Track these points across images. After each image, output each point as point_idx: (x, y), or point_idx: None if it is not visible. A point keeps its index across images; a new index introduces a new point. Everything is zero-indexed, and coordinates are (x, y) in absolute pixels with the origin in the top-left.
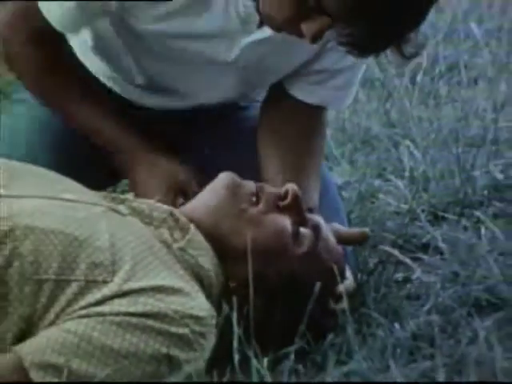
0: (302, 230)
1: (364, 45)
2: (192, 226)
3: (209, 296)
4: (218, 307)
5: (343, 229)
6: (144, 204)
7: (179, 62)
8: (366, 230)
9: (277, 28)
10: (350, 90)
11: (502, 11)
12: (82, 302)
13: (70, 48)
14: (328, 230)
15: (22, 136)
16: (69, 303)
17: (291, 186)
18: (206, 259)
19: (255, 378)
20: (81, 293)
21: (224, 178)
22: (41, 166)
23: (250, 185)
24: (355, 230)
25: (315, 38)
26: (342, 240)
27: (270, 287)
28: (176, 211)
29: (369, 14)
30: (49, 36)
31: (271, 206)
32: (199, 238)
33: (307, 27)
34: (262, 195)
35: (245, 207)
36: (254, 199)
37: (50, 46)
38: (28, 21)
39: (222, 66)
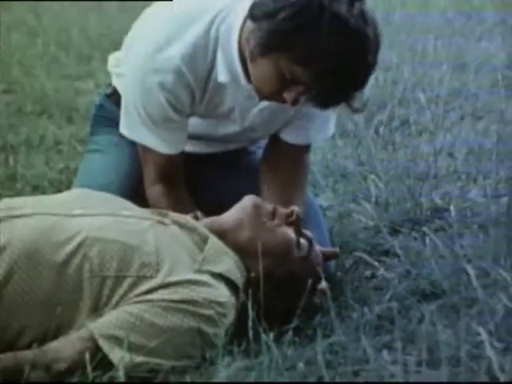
0: (302, 240)
1: (325, 101)
2: (211, 235)
3: (233, 288)
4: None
5: (322, 248)
6: (181, 217)
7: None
8: (337, 250)
9: (265, 97)
10: (326, 127)
11: (439, 82)
12: (136, 292)
13: None
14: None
15: (98, 177)
16: (125, 293)
17: (295, 208)
18: (226, 262)
19: (264, 348)
20: (134, 285)
21: (250, 198)
22: None
23: (268, 205)
24: (330, 249)
25: (295, 102)
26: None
27: (278, 279)
28: (198, 224)
29: (329, 83)
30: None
31: (282, 221)
32: (218, 246)
33: (288, 95)
34: (276, 213)
35: (265, 221)
36: (270, 215)
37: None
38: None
39: (238, 129)
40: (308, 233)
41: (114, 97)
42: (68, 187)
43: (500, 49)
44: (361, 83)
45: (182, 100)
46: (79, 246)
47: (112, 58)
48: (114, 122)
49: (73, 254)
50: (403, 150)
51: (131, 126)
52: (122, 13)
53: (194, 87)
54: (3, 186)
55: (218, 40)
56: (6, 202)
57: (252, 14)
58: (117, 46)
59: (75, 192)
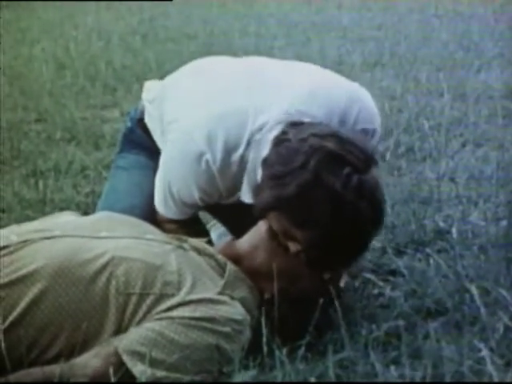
0: None
1: (322, 265)
2: (228, 262)
3: (246, 308)
4: (252, 313)
5: None
6: (199, 244)
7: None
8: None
9: None
10: None
11: (441, 111)
12: (158, 309)
13: None
14: None
15: (123, 196)
16: (148, 310)
17: None
18: (242, 289)
19: (278, 363)
20: (157, 302)
21: (265, 223)
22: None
23: None
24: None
25: (297, 255)
26: None
27: (291, 299)
28: (215, 251)
29: (323, 249)
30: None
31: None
32: (236, 273)
33: (292, 246)
34: None
35: (278, 245)
36: None
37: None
38: None
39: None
40: None
41: (143, 123)
42: (94, 210)
43: (498, 80)
44: (354, 254)
45: (213, 198)
46: (106, 264)
47: (146, 89)
48: (142, 146)
49: (100, 271)
50: (408, 175)
51: (161, 201)
52: (145, 47)
53: (223, 192)
54: (33, 209)
55: (247, 162)
56: (37, 224)
57: (262, 166)
58: (139, 78)
59: (100, 215)
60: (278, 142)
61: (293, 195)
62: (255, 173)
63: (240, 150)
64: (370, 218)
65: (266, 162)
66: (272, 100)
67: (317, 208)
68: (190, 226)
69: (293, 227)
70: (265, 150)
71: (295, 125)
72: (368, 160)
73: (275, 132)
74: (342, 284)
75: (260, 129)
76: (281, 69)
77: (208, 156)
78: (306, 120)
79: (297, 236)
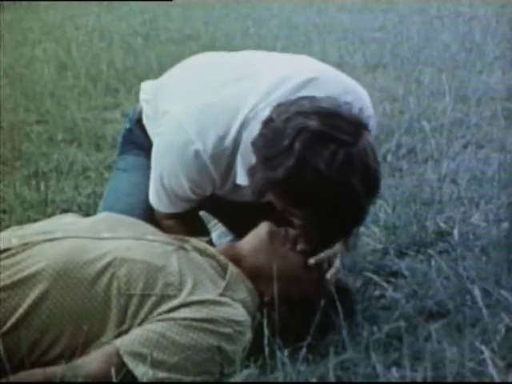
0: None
1: (319, 241)
2: (229, 263)
3: (247, 309)
4: (253, 315)
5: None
6: (200, 244)
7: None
8: None
9: None
10: None
11: (443, 112)
12: (159, 310)
13: None
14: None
15: (123, 196)
16: (150, 311)
17: None
18: (242, 291)
19: (279, 364)
20: (158, 304)
21: (265, 225)
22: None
23: (281, 230)
24: None
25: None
26: None
27: (291, 301)
28: (216, 251)
29: (320, 226)
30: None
31: (293, 244)
32: (237, 274)
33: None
34: (287, 237)
35: (278, 246)
36: (283, 240)
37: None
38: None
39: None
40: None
41: (141, 124)
42: (95, 211)
43: (500, 82)
44: (351, 226)
45: (204, 187)
46: (108, 265)
47: (143, 89)
48: (141, 146)
49: (101, 272)
50: (410, 176)
51: (154, 194)
52: (147, 48)
53: (217, 179)
54: (35, 210)
55: (240, 145)
56: (38, 226)
57: (252, 148)
58: (141, 79)
59: (101, 216)
60: (265, 123)
61: (282, 179)
62: (250, 152)
63: (231, 135)
64: (362, 188)
65: (254, 145)
66: (265, 86)
67: (307, 189)
68: (188, 223)
69: (289, 206)
70: (257, 130)
71: (281, 104)
72: (356, 130)
73: (268, 111)
74: (328, 276)
75: (252, 109)
76: (276, 59)
77: (198, 145)
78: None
79: (295, 213)
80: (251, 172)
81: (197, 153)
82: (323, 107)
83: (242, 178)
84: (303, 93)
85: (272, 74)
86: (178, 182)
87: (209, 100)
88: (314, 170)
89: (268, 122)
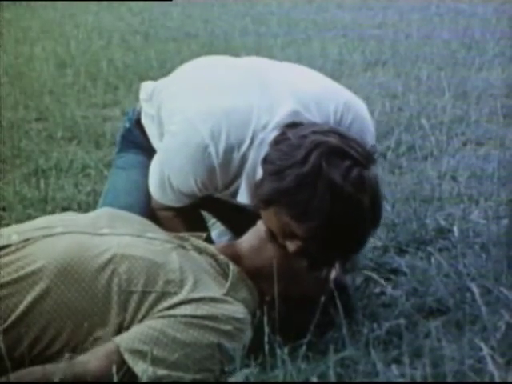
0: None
1: (320, 260)
2: (231, 264)
3: (248, 308)
4: (253, 314)
5: None
6: (200, 243)
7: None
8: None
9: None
10: None
11: (442, 110)
12: (160, 307)
13: None
14: None
15: (122, 194)
16: (150, 308)
17: None
18: (243, 291)
19: (279, 362)
20: (159, 300)
21: (263, 224)
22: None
23: None
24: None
25: (296, 253)
26: None
27: (291, 299)
28: (216, 250)
29: (322, 243)
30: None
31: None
32: (239, 274)
33: (290, 245)
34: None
35: (278, 244)
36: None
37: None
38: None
39: None
40: None
41: (140, 124)
42: (95, 209)
43: (499, 79)
44: (354, 247)
45: (209, 189)
46: (109, 261)
47: (143, 88)
48: (140, 146)
49: (102, 269)
50: (409, 173)
51: (157, 187)
52: (147, 46)
53: (220, 185)
54: (35, 208)
55: (246, 162)
56: (38, 221)
57: (262, 164)
58: (141, 77)
59: (101, 212)
60: (278, 141)
61: (292, 186)
62: (254, 173)
63: (242, 149)
64: (370, 211)
65: (266, 160)
66: (276, 102)
67: (316, 199)
68: (186, 215)
69: (292, 220)
70: (265, 151)
71: (294, 125)
72: (368, 156)
73: (276, 132)
74: (331, 276)
75: (263, 128)
76: (284, 72)
77: (211, 149)
78: (306, 121)
79: (296, 230)
80: (257, 185)
81: (209, 156)
82: (339, 129)
83: (243, 196)
84: (309, 116)
85: (284, 90)
86: (187, 181)
87: (224, 105)
88: (328, 180)
89: (282, 140)
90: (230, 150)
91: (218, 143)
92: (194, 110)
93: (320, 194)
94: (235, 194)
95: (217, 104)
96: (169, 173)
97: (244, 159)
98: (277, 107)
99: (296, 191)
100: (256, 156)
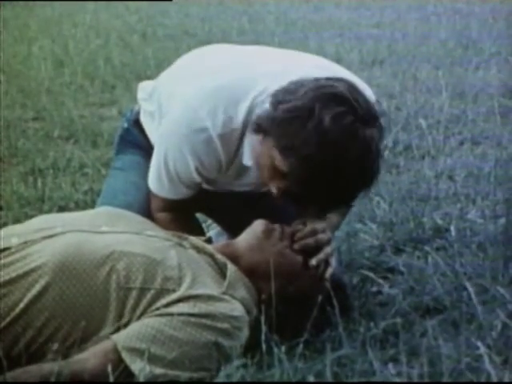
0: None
1: (300, 200)
2: (229, 263)
3: (246, 307)
4: (251, 313)
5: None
6: (198, 242)
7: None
8: None
9: (264, 184)
10: None
11: (440, 109)
12: (158, 304)
13: None
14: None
15: (120, 194)
16: (149, 305)
17: (298, 227)
18: (241, 290)
19: (276, 360)
20: (157, 298)
21: (260, 223)
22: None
23: (278, 227)
24: None
25: (278, 196)
26: None
27: (288, 298)
28: (214, 250)
29: (305, 185)
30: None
31: (289, 241)
32: (236, 273)
33: (273, 186)
34: (284, 234)
35: (274, 244)
36: (280, 238)
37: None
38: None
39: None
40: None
41: (139, 124)
42: (92, 208)
43: (496, 78)
44: (336, 197)
45: (209, 169)
46: (107, 258)
47: (141, 88)
48: (138, 146)
49: (101, 265)
50: (406, 173)
51: (155, 178)
52: (144, 45)
53: (223, 161)
54: (32, 207)
55: (248, 126)
56: (38, 222)
57: (270, 98)
58: (138, 76)
59: (100, 210)
60: (291, 82)
61: (282, 118)
62: None
63: (241, 115)
64: (356, 164)
65: (273, 94)
66: (277, 70)
67: (301, 137)
68: (183, 221)
69: (277, 154)
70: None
71: (300, 79)
72: (371, 115)
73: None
74: (327, 274)
75: (263, 92)
76: (281, 52)
77: (208, 123)
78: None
79: (280, 165)
80: (258, 116)
81: (206, 130)
82: (353, 81)
83: (248, 159)
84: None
85: (283, 61)
86: (184, 162)
87: (218, 82)
88: (317, 121)
89: (294, 82)
90: (228, 121)
91: (215, 117)
92: (192, 92)
93: (307, 132)
94: (239, 177)
95: (214, 84)
96: (166, 155)
97: (244, 126)
98: (279, 75)
99: (285, 123)
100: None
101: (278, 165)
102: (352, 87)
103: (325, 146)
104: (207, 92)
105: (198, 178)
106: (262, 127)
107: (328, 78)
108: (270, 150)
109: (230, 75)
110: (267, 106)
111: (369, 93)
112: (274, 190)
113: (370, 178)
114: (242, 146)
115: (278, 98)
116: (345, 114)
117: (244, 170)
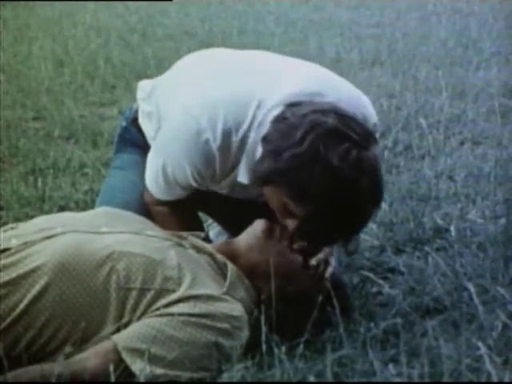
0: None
1: (317, 240)
2: (229, 264)
3: (246, 307)
4: (251, 313)
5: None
6: (198, 242)
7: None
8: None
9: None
10: None
11: (440, 109)
12: (158, 304)
13: None
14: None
15: (118, 193)
16: (149, 305)
17: None
18: (241, 290)
19: (276, 360)
20: (157, 298)
21: (260, 223)
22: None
23: (277, 227)
24: None
25: (294, 231)
26: None
27: (288, 298)
28: (214, 250)
29: (318, 224)
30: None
31: (289, 241)
32: (236, 273)
33: (288, 223)
34: (284, 234)
35: (274, 244)
36: (279, 238)
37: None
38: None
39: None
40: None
41: (137, 123)
42: (93, 208)
43: (497, 78)
44: (353, 228)
45: (205, 178)
46: (107, 258)
47: (140, 87)
48: (136, 144)
49: (100, 265)
50: (406, 173)
51: (152, 180)
52: (144, 44)
53: (218, 173)
54: (32, 207)
55: (247, 144)
56: (37, 223)
57: (262, 143)
58: (138, 76)
59: (99, 211)
60: (278, 119)
61: (289, 167)
62: (254, 153)
63: (241, 131)
64: (369, 193)
65: (265, 139)
66: (276, 83)
67: (313, 182)
68: (180, 213)
69: (290, 201)
70: (265, 131)
71: (294, 104)
72: (369, 137)
73: (276, 112)
74: (327, 274)
75: (263, 108)
76: (282, 60)
77: (208, 134)
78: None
79: (294, 210)
80: (256, 164)
81: (206, 142)
82: (340, 108)
83: (243, 176)
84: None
85: (280, 73)
86: (182, 169)
87: (219, 94)
88: (326, 163)
89: (281, 119)
90: (228, 134)
91: (215, 128)
92: (192, 99)
93: (317, 176)
94: (233, 186)
95: (215, 93)
96: (165, 161)
97: (244, 142)
98: (277, 88)
99: (293, 173)
100: (256, 136)
101: (294, 211)
102: (341, 116)
103: (338, 184)
104: (206, 103)
105: (194, 183)
106: (269, 180)
107: (314, 111)
108: (281, 197)
109: (231, 87)
110: (259, 149)
111: (363, 103)
112: (290, 226)
113: (381, 195)
114: (239, 163)
115: (273, 144)
116: (349, 150)
117: (238, 185)
